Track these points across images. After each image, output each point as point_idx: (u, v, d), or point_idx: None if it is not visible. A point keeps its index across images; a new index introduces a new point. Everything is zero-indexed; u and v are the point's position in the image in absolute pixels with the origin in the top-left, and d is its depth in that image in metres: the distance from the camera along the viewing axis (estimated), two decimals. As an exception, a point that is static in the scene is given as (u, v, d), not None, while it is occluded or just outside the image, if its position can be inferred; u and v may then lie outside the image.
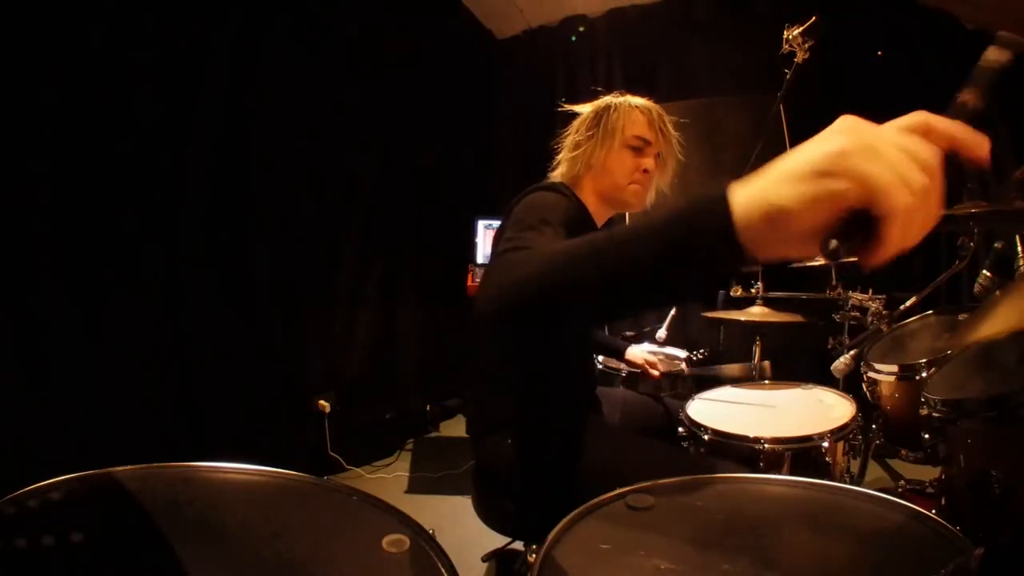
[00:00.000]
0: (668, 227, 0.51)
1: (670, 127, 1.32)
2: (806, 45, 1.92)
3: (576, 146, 1.30)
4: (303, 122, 2.53)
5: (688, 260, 0.50)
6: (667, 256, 0.51)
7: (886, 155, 0.40)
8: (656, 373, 1.68)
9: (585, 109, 1.34)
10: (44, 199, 1.70)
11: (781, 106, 2.26)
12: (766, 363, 1.94)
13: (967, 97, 0.45)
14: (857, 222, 0.41)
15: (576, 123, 1.33)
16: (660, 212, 0.52)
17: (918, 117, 0.43)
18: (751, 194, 0.45)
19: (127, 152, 1.89)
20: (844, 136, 0.42)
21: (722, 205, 0.46)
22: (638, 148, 1.27)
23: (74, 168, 1.76)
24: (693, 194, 0.50)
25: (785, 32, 1.96)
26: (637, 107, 1.29)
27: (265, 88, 2.35)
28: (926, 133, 0.43)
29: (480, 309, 0.68)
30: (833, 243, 0.42)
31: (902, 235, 0.41)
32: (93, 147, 1.80)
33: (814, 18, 1.92)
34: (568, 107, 1.37)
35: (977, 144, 0.43)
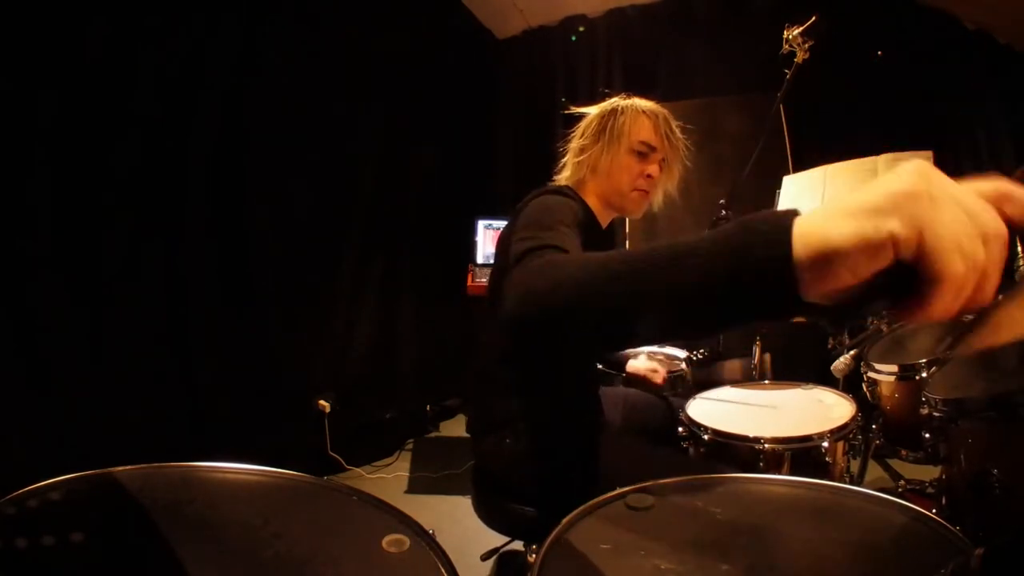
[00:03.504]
0: (720, 254, 0.45)
1: (677, 132, 1.31)
2: (806, 45, 1.92)
3: (581, 150, 1.29)
4: (303, 122, 2.53)
5: (737, 294, 0.44)
6: (713, 286, 0.45)
7: (952, 213, 0.36)
8: (659, 380, 1.68)
9: (591, 111, 1.33)
10: (44, 199, 1.70)
11: (781, 106, 2.26)
12: (767, 355, 1.93)
13: None
14: (901, 277, 0.38)
15: (582, 125, 1.32)
16: (714, 233, 0.46)
17: (998, 185, 0.39)
18: (810, 227, 0.40)
19: (127, 152, 1.90)
20: (914, 178, 0.38)
21: (784, 235, 0.40)
22: (643, 154, 1.26)
23: (74, 167, 1.76)
24: (752, 217, 0.44)
25: (785, 32, 1.95)
26: (644, 112, 1.27)
27: (265, 88, 2.35)
28: (1001, 202, 0.39)
29: (508, 310, 0.63)
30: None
31: (946, 305, 0.37)
32: (93, 147, 1.80)
33: (814, 18, 1.91)
34: (575, 109, 1.36)
35: None
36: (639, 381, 1.75)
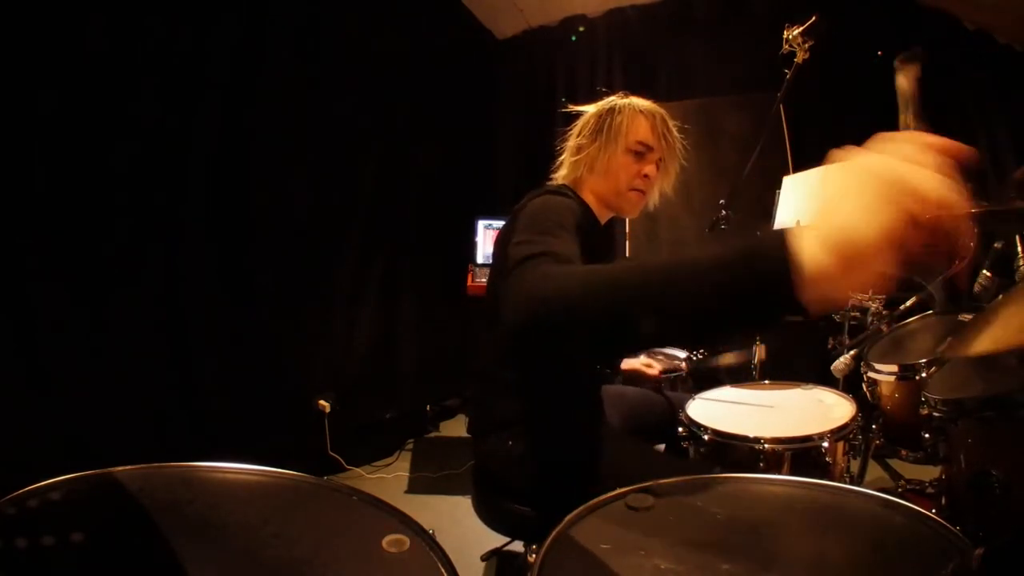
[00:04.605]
0: (724, 265, 0.50)
1: (674, 132, 1.30)
2: (806, 45, 1.92)
3: (579, 149, 1.29)
4: (303, 122, 2.53)
5: (741, 303, 0.49)
6: (719, 296, 0.50)
7: (913, 169, 0.42)
8: (654, 372, 1.68)
9: (589, 109, 1.32)
10: (44, 199, 1.70)
11: (781, 106, 2.26)
12: (761, 347, 1.91)
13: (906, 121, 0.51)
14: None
15: (579, 124, 1.32)
16: (715, 248, 0.51)
17: (910, 137, 0.45)
18: (821, 234, 0.45)
19: (127, 152, 1.90)
20: (875, 164, 0.43)
21: (782, 247, 0.46)
22: (640, 153, 1.26)
23: (74, 168, 1.76)
24: (751, 235, 0.51)
25: (785, 32, 1.96)
26: (641, 111, 1.27)
27: (265, 88, 2.35)
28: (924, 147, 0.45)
29: (511, 319, 0.65)
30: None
31: (965, 230, 0.42)
32: (93, 147, 1.80)
33: (814, 18, 1.91)
34: (572, 107, 1.36)
35: (957, 147, 0.46)
36: (635, 376, 1.75)
